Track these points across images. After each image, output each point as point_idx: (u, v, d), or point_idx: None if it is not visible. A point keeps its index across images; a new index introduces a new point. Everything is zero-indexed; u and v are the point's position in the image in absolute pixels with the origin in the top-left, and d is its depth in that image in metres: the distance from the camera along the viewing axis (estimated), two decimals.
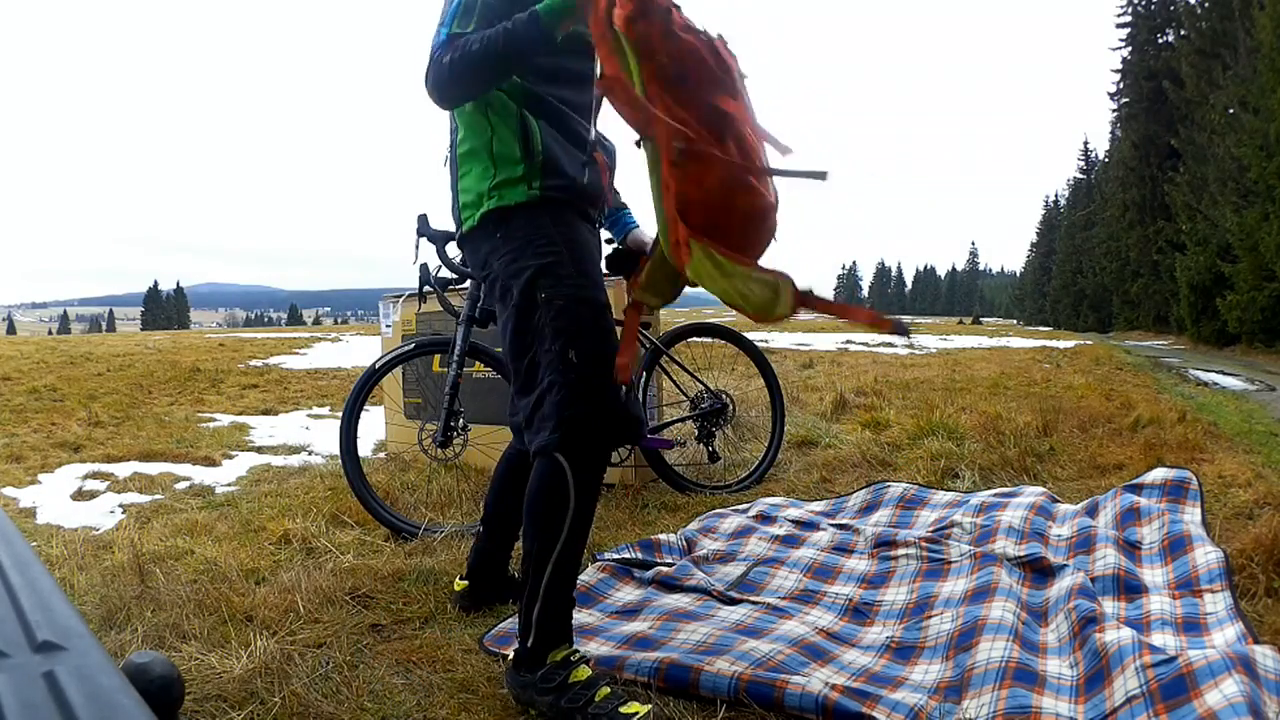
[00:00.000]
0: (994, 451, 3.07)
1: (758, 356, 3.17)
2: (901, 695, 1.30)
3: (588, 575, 1.89)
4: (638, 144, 1.24)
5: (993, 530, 2.05)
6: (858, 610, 1.70)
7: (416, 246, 2.47)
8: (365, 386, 2.42)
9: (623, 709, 1.28)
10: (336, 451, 2.60)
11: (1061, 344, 12.90)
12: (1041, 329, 31.92)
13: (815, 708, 1.26)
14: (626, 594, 1.83)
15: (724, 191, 1.18)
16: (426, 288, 2.50)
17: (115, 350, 10.06)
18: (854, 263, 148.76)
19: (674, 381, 2.96)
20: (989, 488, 2.62)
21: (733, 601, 1.74)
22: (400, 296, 3.28)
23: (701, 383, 2.97)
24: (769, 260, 1.23)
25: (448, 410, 2.43)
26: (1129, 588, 1.70)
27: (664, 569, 1.90)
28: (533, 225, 1.45)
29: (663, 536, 2.12)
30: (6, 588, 0.35)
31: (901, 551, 1.94)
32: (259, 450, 4.08)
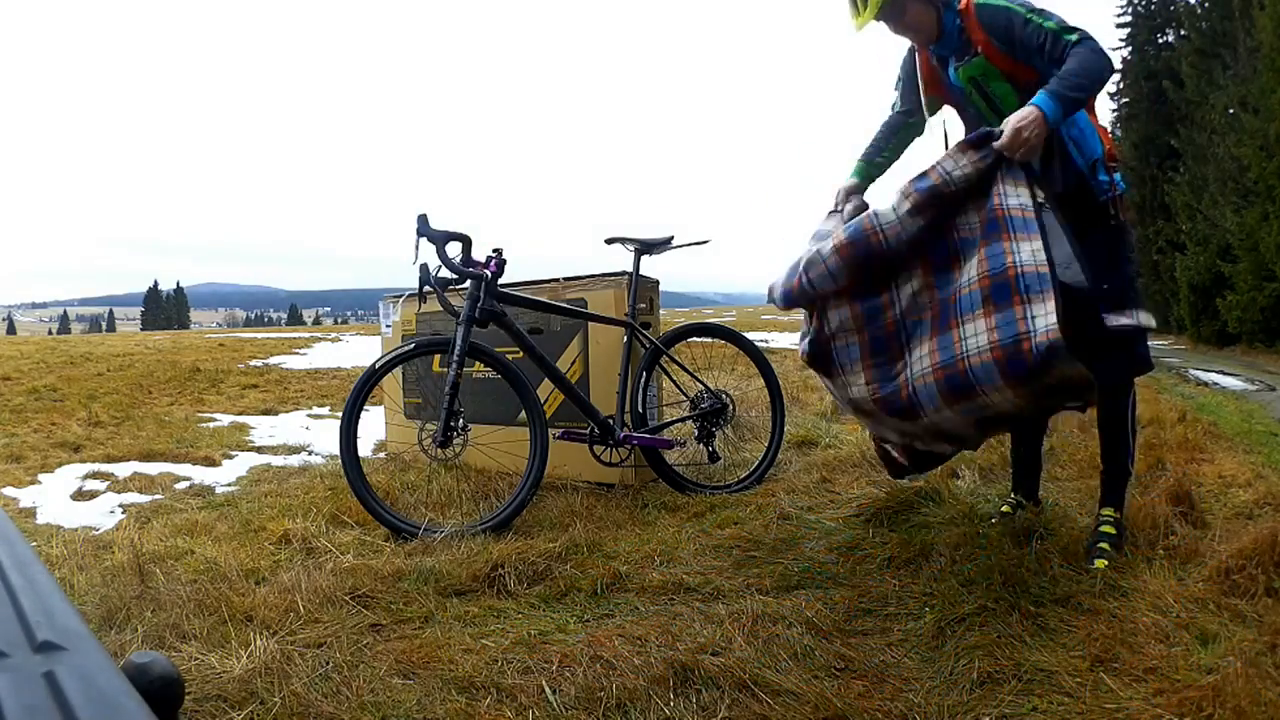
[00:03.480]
0: (994, 451, 3.06)
1: (758, 356, 3.17)
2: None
3: None
4: None
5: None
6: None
7: (416, 246, 2.47)
8: (365, 386, 2.42)
9: None
10: (336, 451, 2.60)
11: None
12: None
13: None
14: None
15: None
16: (426, 288, 2.50)
17: (115, 350, 10.06)
18: None
19: (674, 381, 2.96)
20: (989, 487, 2.62)
21: None
22: (400, 296, 3.28)
23: (701, 383, 2.97)
24: None
25: (448, 410, 2.43)
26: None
27: None
28: None
29: None
30: (6, 588, 0.35)
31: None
32: (259, 450, 4.08)
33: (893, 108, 2.27)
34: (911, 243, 1.86)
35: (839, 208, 2.23)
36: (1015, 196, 1.77)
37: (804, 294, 2.03)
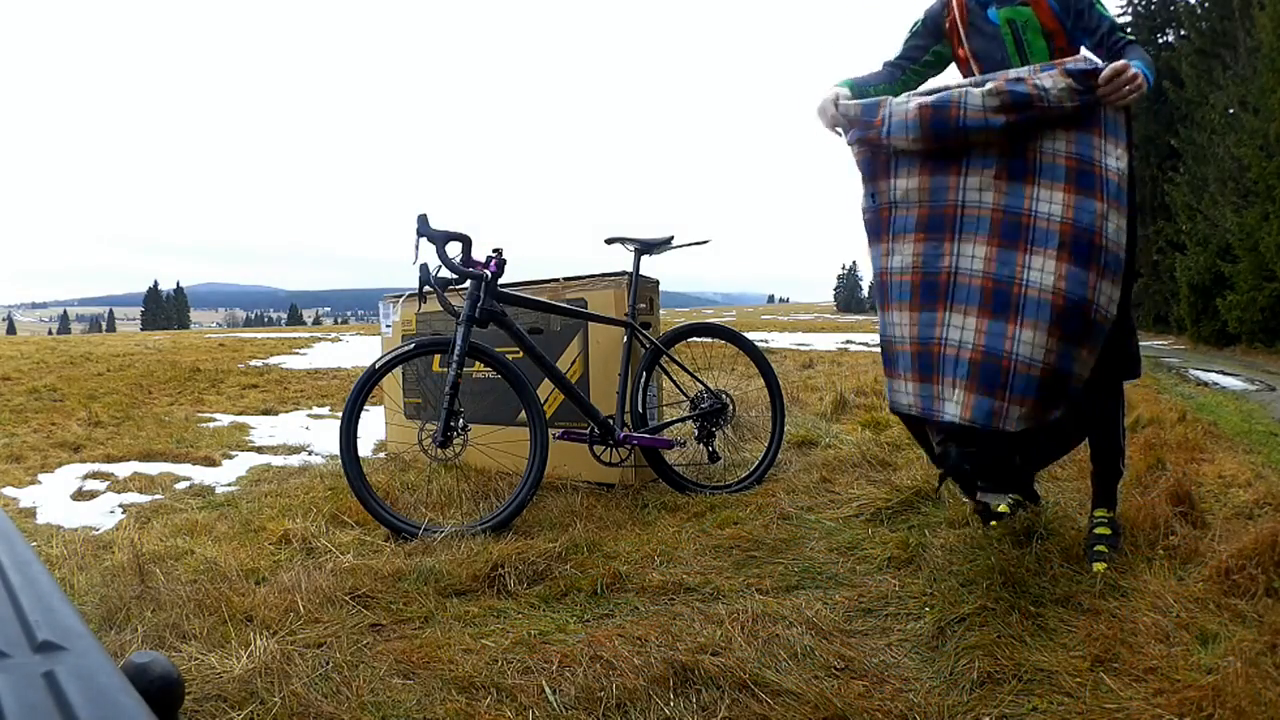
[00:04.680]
0: None
1: (757, 356, 3.17)
2: None
3: None
4: None
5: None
6: None
7: (416, 246, 2.47)
8: (365, 386, 2.42)
9: None
10: (336, 451, 2.60)
11: None
12: None
13: None
14: None
15: None
16: (426, 288, 2.50)
17: (115, 350, 10.07)
18: (854, 262, 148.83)
19: (674, 381, 2.96)
20: None
21: None
22: (400, 296, 3.28)
23: (701, 383, 2.97)
24: None
25: (448, 410, 2.43)
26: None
27: None
28: None
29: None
30: (6, 588, 0.35)
31: None
32: (259, 450, 4.08)
33: (894, 61, 2.18)
34: (988, 140, 1.78)
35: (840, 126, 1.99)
36: (1115, 159, 1.72)
37: (876, 141, 1.87)
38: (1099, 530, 1.98)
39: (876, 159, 1.91)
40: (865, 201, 1.95)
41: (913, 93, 1.89)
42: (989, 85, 1.77)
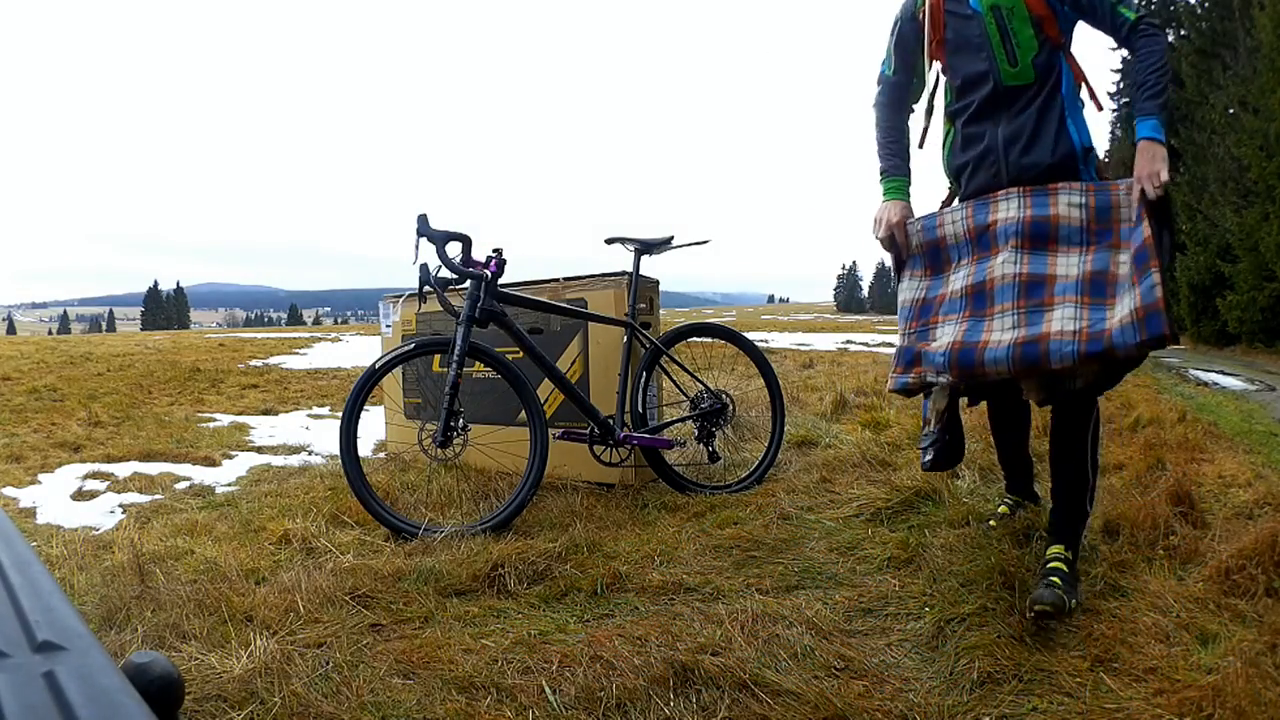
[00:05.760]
0: (994, 451, 3.06)
1: (757, 356, 3.17)
2: None
3: None
4: None
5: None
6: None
7: (416, 246, 2.47)
8: (365, 386, 2.42)
9: None
10: (336, 451, 2.60)
11: None
12: None
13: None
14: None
15: None
16: (426, 288, 2.50)
17: (115, 350, 10.07)
18: (854, 262, 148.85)
19: (674, 381, 2.96)
20: (989, 487, 2.62)
21: None
22: (400, 296, 3.28)
23: (701, 383, 2.97)
24: None
25: (448, 410, 2.43)
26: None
27: None
28: None
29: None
30: (6, 588, 0.35)
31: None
32: (259, 450, 4.08)
33: (880, 78, 2.13)
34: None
35: (911, 251, 2.03)
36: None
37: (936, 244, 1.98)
38: (1054, 564, 1.70)
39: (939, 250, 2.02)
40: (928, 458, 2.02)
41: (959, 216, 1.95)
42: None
